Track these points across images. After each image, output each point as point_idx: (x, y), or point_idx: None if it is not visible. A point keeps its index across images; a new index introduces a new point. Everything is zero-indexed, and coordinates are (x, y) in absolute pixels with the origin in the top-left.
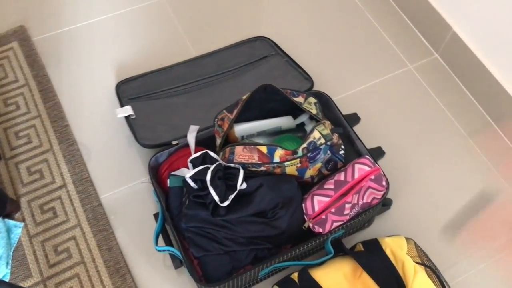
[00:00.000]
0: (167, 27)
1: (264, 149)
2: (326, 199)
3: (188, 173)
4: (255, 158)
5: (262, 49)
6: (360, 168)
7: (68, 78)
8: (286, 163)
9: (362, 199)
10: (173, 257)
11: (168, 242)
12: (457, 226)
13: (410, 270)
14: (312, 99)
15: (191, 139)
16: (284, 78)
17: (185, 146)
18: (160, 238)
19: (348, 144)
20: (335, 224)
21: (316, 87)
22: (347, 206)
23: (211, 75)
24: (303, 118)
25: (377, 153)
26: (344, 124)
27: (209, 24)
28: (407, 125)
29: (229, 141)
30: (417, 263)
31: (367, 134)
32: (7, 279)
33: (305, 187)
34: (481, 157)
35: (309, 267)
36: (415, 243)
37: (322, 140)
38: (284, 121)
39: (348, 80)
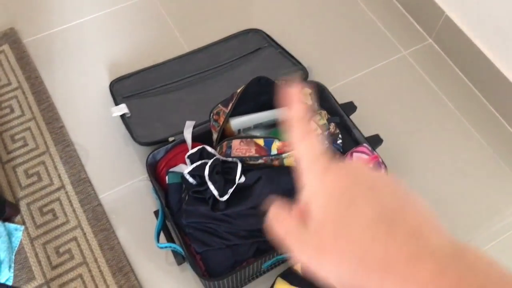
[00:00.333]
0: (158, 23)
1: (261, 141)
2: None
3: (186, 169)
4: (252, 151)
5: (255, 41)
6: (359, 156)
7: (61, 79)
8: (284, 155)
9: None
10: (175, 253)
11: (170, 239)
12: (457, 212)
13: None
14: (307, 90)
15: (187, 135)
16: (278, 70)
17: (182, 143)
18: (162, 235)
19: (345, 133)
20: None
21: (310, 77)
22: None
23: (205, 69)
24: None
25: (375, 141)
26: (340, 113)
27: (200, 18)
28: (404, 112)
29: (226, 135)
30: None
31: (364, 122)
32: (10, 283)
33: None
34: (480, 141)
35: None
36: None
37: (319, 131)
38: (280, 113)
39: (343, 69)
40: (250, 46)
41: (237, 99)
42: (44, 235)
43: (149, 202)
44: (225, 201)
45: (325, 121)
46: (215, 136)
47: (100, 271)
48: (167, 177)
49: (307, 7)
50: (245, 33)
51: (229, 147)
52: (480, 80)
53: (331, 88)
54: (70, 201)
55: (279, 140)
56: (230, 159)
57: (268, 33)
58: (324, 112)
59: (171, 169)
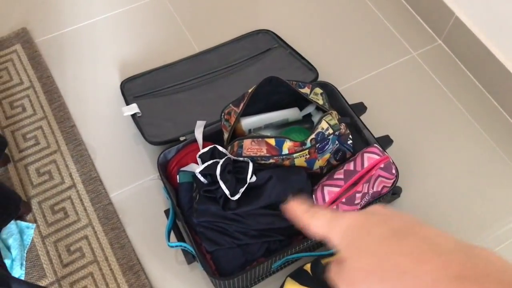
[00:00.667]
0: (168, 24)
1: (272, 141)
2: (337, 189)
3: (197, 168)
4: (263, 151)
5: (265, 42)
6: (370, 157)
7: (72, 79)
8: (295, 155)
9: (372, 188)
10: (185, 252)
11: (180, 238)
12: (467, 211)
13: None
14: (318, 90)
15: (198, 134)
16: (288, 70)
17: (193, 142)
18: (172, 234)
19: (355, 133)
20: None
21: (320, 78)
22: (357, 195)
23: (215, 70)
24: (309, 109)
25: (385, 142)
26: (350, 114)
27: (211, 18)
28: (414, 112)
29: (237, 135)
30: None
31: (374, 123)
32: None
33: (315, 178)
34: (489, 142)
35: (322, 257)
36: None
37: (330, 131)
38: (290, 113)
39: (353, 70)
40: (260, 47)
41: (248, 99)
42: (55, 233)
43: (160, 201)
44: (236, 200)
45: (336, 121)
46: (226, 135)
47: (111, 269)
48: (178, 176)
49: (317, 8)
50: (255, 34)
51: (240, 146)
52: (490, 81)
53: (341, 88)
54: (81, 200)
55: (290, 140)
56: (241, 158)
57: (278, 34)
58: (334, 112)
59: (182, 168)
